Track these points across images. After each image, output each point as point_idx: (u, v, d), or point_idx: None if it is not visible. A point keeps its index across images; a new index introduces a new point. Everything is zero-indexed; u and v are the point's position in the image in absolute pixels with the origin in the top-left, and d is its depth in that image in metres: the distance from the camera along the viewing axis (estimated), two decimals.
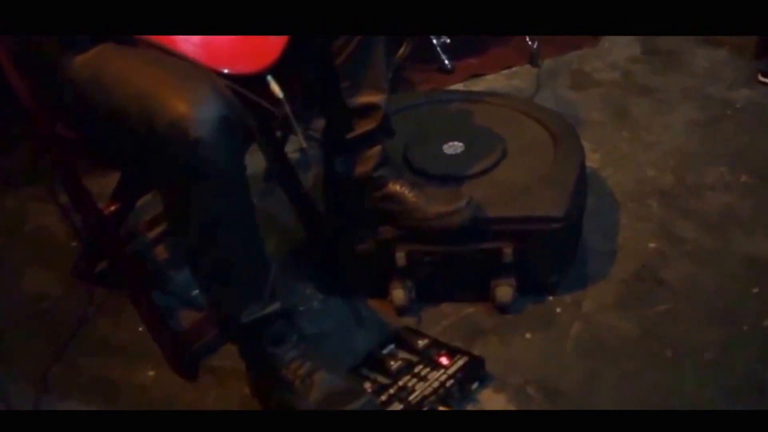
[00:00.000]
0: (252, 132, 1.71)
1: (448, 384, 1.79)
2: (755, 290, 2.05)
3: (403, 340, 1.92)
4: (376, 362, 1.86)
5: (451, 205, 1.93)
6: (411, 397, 1.77)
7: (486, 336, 1.97)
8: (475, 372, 1.84)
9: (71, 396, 1.89)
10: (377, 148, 1.96)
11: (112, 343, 2.03)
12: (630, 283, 2.10)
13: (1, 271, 2.28)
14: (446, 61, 3.11)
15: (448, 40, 3.13)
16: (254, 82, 1.65)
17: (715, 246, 2.20)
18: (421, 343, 1.90)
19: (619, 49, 3.22)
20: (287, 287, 2.08)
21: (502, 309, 2.02)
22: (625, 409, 1.76)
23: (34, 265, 2.29)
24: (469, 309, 2.05)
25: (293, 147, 2.33)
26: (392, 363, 1.85)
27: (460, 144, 2.19)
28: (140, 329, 2.01)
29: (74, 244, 2.33)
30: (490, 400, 1.82)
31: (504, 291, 2.00)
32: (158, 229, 2.26)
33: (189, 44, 1.59)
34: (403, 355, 1.87)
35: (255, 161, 2.07)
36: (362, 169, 1.96)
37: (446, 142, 2.20)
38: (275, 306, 1.70)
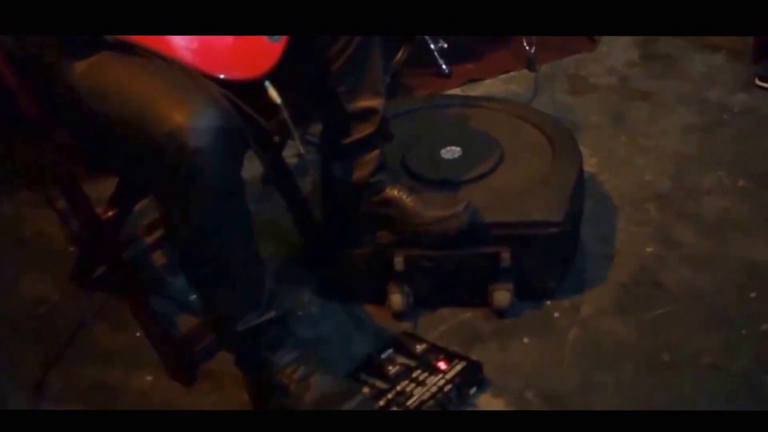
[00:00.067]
0: (248, 139, 1.71)
1: (446, 389, 1.79)
2: (753, 294, 2.05)
3: (401, 344, 1.92)
4: (374, 367, 1.86)
5: (448, 210, 1.93)
6: (409, 402, 1.76)
7: (484, 341, 1.97)
8: (473, 377, 1.84)
9: (69, 401, 1.89)
10: (375, 153, 1.96)
11: (110, 349, 2.03)
12: (628, 288, 2.10)
13: None
14: (444, 66, 3.11)
15: (446, 45, 3.13)
16: (252, 87, 1.65)
17: (712, 250, 2.20)
18: (419, 347, 1.90)
19: (617, 54, 3.22)
20: (285, 292, 2.07)
21: (500, 314, 2.02)
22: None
23: (31, 270, 2.29)
24: (467, 314, 2.05)
25: (291, 152, 2.33)
26: (390, 368, 1.85)
27: (458, 149, 2.19)
28: (138, 334, 2.00)
29: (72, 249, 2.32)
30: (488, 404, 1.82)
31: (502, 295, 2.00)
32: (156, 234, 2.26)
33: (187, 51, 1.59)
34: (401, 360, 1.87)
35: (252, 166, 2.07)
36: (360, 174, 1.97)
37: (444, 146, 2.20)
38: (271, 314, 1.70)
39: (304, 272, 2.19)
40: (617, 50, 3.24)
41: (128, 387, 1.92)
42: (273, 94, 1.67)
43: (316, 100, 1.95)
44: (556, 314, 2.03)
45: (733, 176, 2.47)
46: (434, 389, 1.79)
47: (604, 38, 3.29)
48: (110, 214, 1.86)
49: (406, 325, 2.02)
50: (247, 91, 1.64)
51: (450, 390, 1.79)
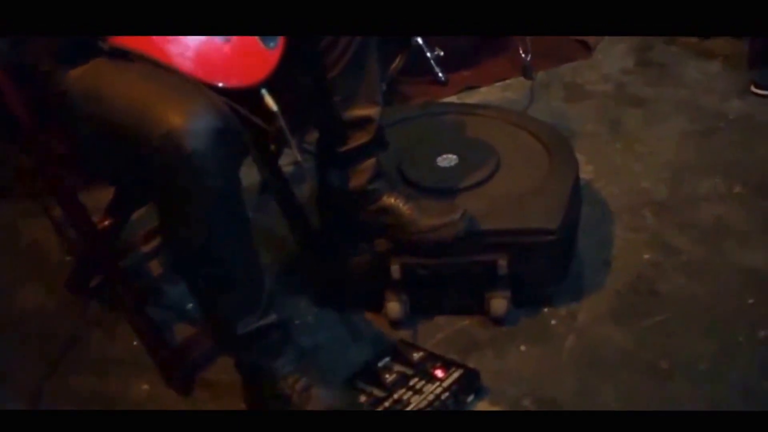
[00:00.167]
0: (246, 145, 1.71)
1: (443, 397, 1.79)
2: (750, 301, 2.05)
3: (398, 352, 1.92)
4: (371, 375, 1.86)
5: (445, 218, 1.93)
6: (406, 410, 1.76)
7: (481, 348, 1.97)
8: (470, 384, 1.83)
9: None
10: (371, 161, 1.96)
11: (107, 358, 2.03)
12: (625, 295, 2.10)
13: None
14: (440, 74, 3.12)
15: (442, 53, 3.13)
16: (249, 95, 1.65)
17: (709, 257, 2.20)
18: (416, 355, 1.90)
19: (612, 61, 3.23)
20: (282, 300, 2.07)
21: (497, 321, 2.02)
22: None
23: (28, 279, 2.28)
24: (464, 321, 2.04)
25: (288, 160, 2.32)
26: (387, 376, 1.85)
27: (454, 156, 2.19)
28: (135, 343, 2.00)
29: (68, 258, 2.32)
30: None
31: (499, 303, 2.00)
32: (153, 243, 2.26)
33: (184, 59, 1.59)
34: (398, 367, 1.87)
35: (249, 174, 2.07)
36: (356, 182, 1.97)
37: (440, 154, 2.20)
38: (271, 317, 1.70)
39: (300, 280, 2.18)
40: (613, 58, 3.25)
41: (125, 396, 1.92)
42: (269, 101, 1.67)
43: (312, 108, 1.95)
44: (553, 322, 2.03)
45: (729, 183, 2.47)
46: (431, 397, 1.79)
47: (600, 46, 3.30)
48: (107, 223, 1.86)
49: (403, 333, 2.02)
50: (244, 99, 1.64)
51: (447, 398, 1.79)
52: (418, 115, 2.45)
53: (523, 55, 3.01)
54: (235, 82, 1.64)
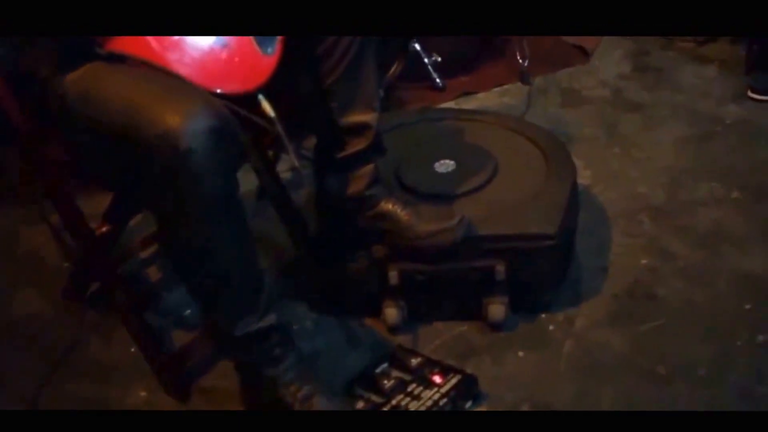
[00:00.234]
0: (245, 149, 1.71)
1: (441, 402, 1.79)
2: (748, 306, 2.05)
3: (396, 358, 1.91)
4: (369, 381, 1.85)
5: (443, 224, 1.93)
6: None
7: (479, 354, 1.97)
8: (468, 390, 1.83)
9: None
10: (369, 167, 1.96)
11: (104, 365, 2.02)
12: (622, 300, 2.10)
13: None
14: (437, 80, 3.12)
15: (440, 59, 3.14)
16: (246, 101, 1.66)
17: (707, 262, 2.20)
18: (415, 361, 1.90)
19: (609, 67, 3.23)
20: (280, 306, 2.06)
21: (495, 327, 2.02)
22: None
23: (25, 286, 2.28)
24: (462, 327, 2.04)
25: (285, 166, 2.33)
26: (385, 382, 1.85)
27: (452, 162, 2.19)
28: (132, 350, 1.99)
29: (66, 264, 2.32)
30: None
31: (496, 309, 2.00)
32: (150, 250, 2.26)
33: (181, 65, 1.59)
34: (396, 373, 1.87)
35: (247, 180, 2.07)
36: (354, 188, 1.97)
37: (438, 160, 2.20)
38: (271, 318, 1.70)
39: (298, 286, 2.18)
40: (610, 63, 3.25)
41: (122, 402, 1.91)
42: (267, 107, 1.67)
43: (310, 115, 1.96)
44: (551, 327, 2.03)
45: (726, 188, 2.47)
46: (429, 403, 1.78)
47: (597, 51, 3.30)
48: (104, 229, 1.86)
49: (401, 339, 2.02)
50: (241, 104, 1.64)
51: (445, 404, 1.79)
52: (415, 120, 2.45)
53: (520, 61, 3.02)
54: (232, 88, 1.64)
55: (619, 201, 2.46)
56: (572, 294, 2.11)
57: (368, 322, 2.08)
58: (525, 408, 1.82)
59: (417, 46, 3.09)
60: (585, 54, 3.30)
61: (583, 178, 2.49)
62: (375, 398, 1.81)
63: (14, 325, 2.16)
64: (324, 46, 1.82)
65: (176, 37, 1.60)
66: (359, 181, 1.96)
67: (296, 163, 1.77)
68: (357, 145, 1.93)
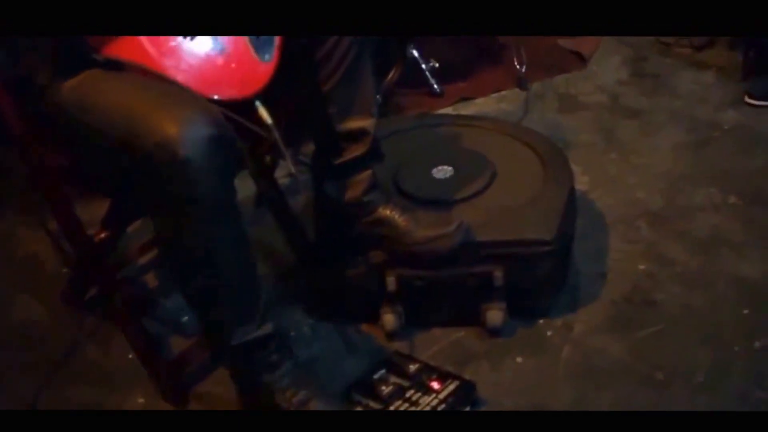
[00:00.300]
0: (242, 156, 1.71)
1: (439, 408, 1.78)
2: (745, 311, 2.05)
3: (394, 364, 1.91)
4: (367, 387, 1.85)
5: (440, 230, 1.93)
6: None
7: (477, 360, 1.97)
8: (466, 396, 1.83)
9: None
10: (367, 173, 1.96)
11: (102, 371, 2.02)
12: (620, 306, 2.10)
13: None
14: (435, 85, 3.12)
15: (437, 64, 3.14)
16: (243, 107, 1.66)
17: (704, 267, 2.20)
18: (412, 367, 1.90)
19: (607, 72, 3.23)
20: (277, 312, 2.07)
21: (493, 333, 2.02)
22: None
23: (23, 291, 2.28)
24: (460, 333, 2.04)
25: (283, 172, 2.33)
26: (383, 388, 1.84)
27: (450, 168, 2.19)
28: (130, 356, 1.99)
29: (64, 270, 2.32)
30: None
31: (494, 315, 2.00)
32: (148, 256, 2.26)
33: (178, 71, 1.59)
34: (394, 379, 1.87)
35: (245, 187, 2.07)
36: (352, 194, 1.97)
37: (435, 166, 2.20)
38: (268, 327, 1.70)
39: (296, 292, 2.18)
40: (607, 69, 3.25)
41: (120, 408, 1.91)
42: (264, 114, 1.67)
43: (307, 121, 1.96)
44: (549, 333, 2.03)
45: (724, 193, 2.47)
46: (427, 409, 1.78)
47: (594, 57, 3.30)
48: (103, 235, 1.86)
49: (399, 345, 2.02)
50: (238, 111, 1.64)
51: (443, 410, 1.78)
52: (413, 126, 2.45)
53: (517, 67, 3.02)
54: (229, 95, 1.64)
55: (616, 207, 2.46)
56: (570, 300, 2.11)
57: (366, 328, 2.07)
58: None
59: (414, 52, 3.09)
60: (582, 60, 3.30)
61: (581, 183, 2.49)
62: (373, 404, 1.81)
63: (12, 330, 2.16)
64: (323, 51, 1.82)
65: (173, 43, 1.60)
66: (357, 187, 1.96)
67: (293, 170, 1.77)
68: (355, 151, 1.93)
